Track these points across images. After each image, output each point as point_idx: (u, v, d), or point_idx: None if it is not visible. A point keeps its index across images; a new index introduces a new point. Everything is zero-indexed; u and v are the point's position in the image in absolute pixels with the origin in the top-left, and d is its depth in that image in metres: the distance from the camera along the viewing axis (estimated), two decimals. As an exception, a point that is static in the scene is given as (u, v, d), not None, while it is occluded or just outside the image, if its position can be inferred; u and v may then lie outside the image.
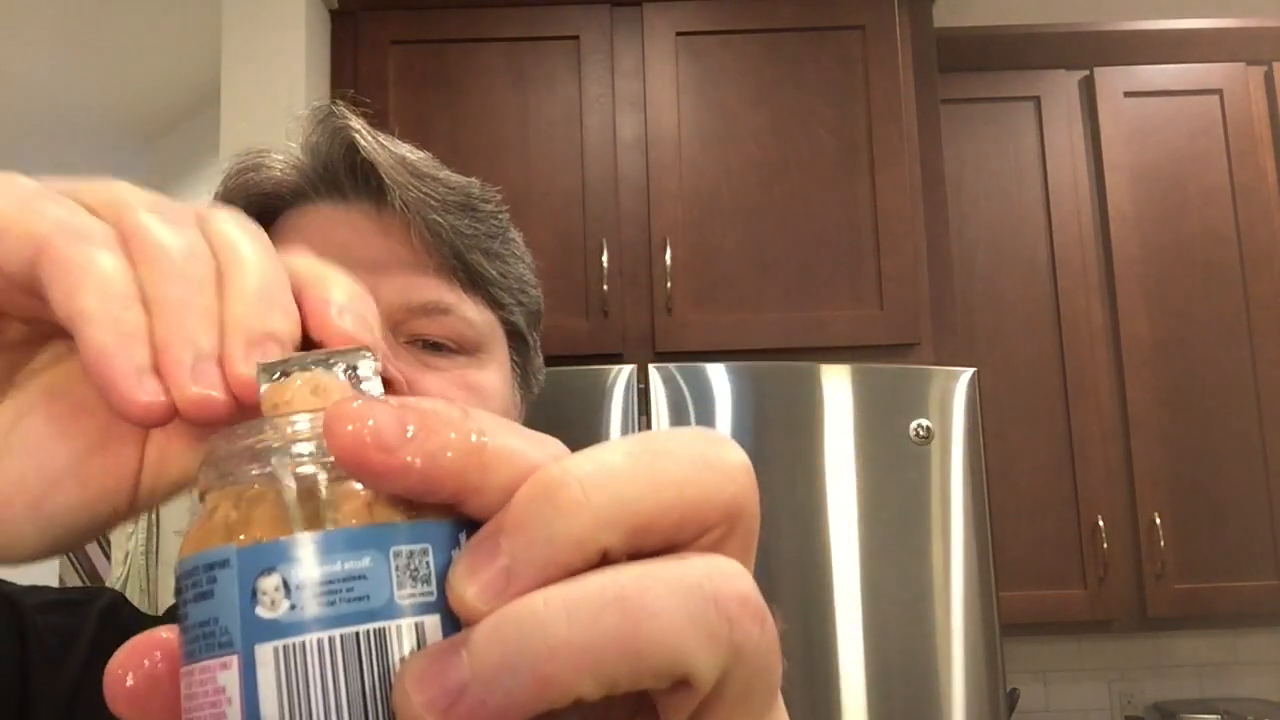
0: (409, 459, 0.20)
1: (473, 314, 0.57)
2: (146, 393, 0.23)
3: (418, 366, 0.54)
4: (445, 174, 0.58)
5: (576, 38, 2.01)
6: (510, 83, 1.99)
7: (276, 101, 1.85)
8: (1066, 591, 2.13)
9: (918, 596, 1.65)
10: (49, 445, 0.27)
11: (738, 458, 0.22)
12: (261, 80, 1.90)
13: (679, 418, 1.67)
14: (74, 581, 2.85)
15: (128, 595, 0.90)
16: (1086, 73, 2.31)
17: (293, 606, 0.19)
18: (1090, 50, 2.30)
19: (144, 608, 0.69)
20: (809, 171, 1.96)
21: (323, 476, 0.21)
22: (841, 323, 1.90)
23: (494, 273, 0.58)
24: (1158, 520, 2.14)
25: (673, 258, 1.90)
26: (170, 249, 0.25)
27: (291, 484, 0.21)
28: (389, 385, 0.48)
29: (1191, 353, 2.21)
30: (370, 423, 0.20)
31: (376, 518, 0.20)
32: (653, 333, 1.90)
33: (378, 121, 0.58)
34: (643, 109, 1.98)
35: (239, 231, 0.27)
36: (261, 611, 0.19)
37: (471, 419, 0.21)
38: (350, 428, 0.20)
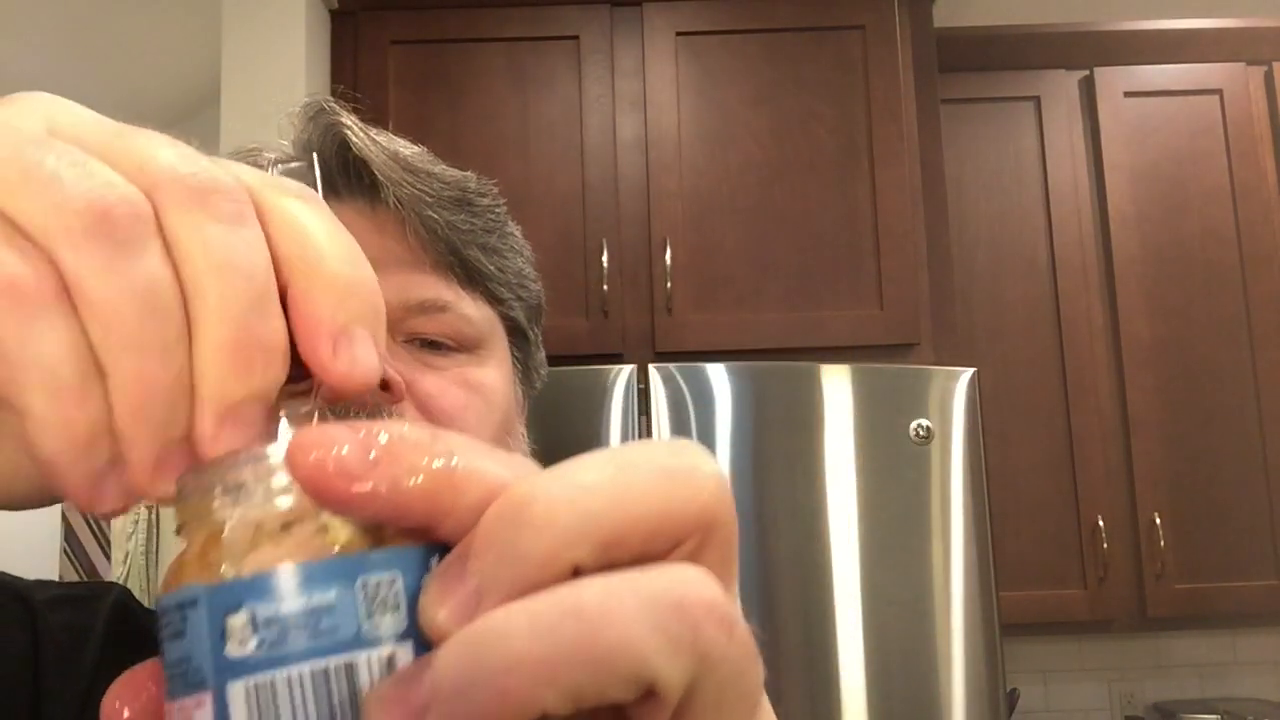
0: (374, 486, 0.20)
1: (471, 310, 0.55)
2: (108, 499, 0.22)
3: (416, 366, 0.53)
4: (440, 169, 0.57)
5: (576, 38, 2.01)
6: (510, 83, 1.99)
7: (276, 102, 1.84)
8: (1066, 591, 2.13)
9: (918, 596, 1.64)
10: None
11: (708, 468, 0.22)
12: (261, 80, 1.90)
13: (679, 418, 1.67)
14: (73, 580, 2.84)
15: (127, 595, 0.90)
16: (1086, 73, 2.30)
17: (260, 644, 0.19)
18: (1090, 50, 2.30)
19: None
20: (809, 171, 1.96)
21: (289, 509, 0.21)
22: (841, 323, 1.90)
23: (492, 268, 0.57)
24: (1158, 520, 2.14)
25: (673, 258, 1.90)
26: (124, 304, 0.21)
27: (256, 519, 0.21)
28: (388, 387, 0.48)
29: (1191, 353, 2.21)
30: (334, 451, 0.20)
31: (344, 549, 0.20)
32: (653, 333, 1.90)
33: (377, 121, 0.58)
34: (643, 109, 1.98)
35: (306, 221, 0.24)
36: (231, 650, 0.20)
37: (440, 441, 0.21)
38: (313, 456, 0.20)
